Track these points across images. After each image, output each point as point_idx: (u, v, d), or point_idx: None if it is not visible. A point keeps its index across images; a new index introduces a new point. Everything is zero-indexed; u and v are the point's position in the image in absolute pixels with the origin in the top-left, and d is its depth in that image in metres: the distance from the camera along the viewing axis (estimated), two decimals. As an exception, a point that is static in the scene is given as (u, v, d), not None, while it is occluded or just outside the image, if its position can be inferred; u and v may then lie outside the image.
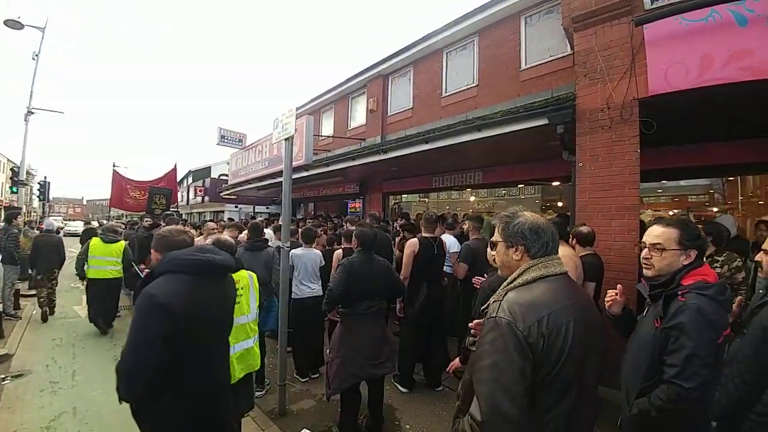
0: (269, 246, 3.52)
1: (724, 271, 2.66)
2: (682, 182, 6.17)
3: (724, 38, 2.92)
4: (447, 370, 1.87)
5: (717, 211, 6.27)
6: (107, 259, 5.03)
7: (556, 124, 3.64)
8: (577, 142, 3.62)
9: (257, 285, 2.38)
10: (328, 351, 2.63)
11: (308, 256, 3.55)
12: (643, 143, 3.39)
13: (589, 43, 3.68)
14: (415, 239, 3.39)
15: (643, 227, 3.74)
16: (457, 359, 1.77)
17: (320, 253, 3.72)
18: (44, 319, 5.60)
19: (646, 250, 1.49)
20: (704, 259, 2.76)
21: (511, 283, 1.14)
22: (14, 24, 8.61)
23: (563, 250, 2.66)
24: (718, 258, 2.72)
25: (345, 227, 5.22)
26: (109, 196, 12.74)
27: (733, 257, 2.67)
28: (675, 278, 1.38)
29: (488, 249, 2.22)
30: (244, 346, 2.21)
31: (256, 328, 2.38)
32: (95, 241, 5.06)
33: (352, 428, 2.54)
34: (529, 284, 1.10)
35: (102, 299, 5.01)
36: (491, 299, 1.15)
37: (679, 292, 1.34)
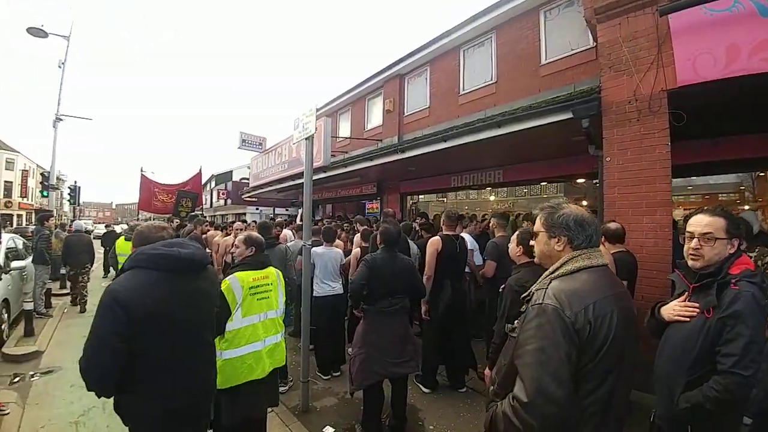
0: (280, 243, 3.60)
1: (758, 266, 2.51)
2: (711, 180, 5.88)
3: (749, 28, 2.83)
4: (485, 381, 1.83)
5: (748, 209, 5.93)
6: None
7: (581, 117, 3.53)
8: (603, 136, 3.50)
9: (284, 281, 2.43)
10: (349, 348, 2.65)
11: (329, 254, 3.59)
12: (673, 136, 3.26)
13: (614, 35, 3.56)
14: (438, 237, 3.36)
15: (675, 225, 3.59)
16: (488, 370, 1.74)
17: (341, 251, 3.74)
18: (82, 309, 6.21)
19: (695, 240, 1.44)
20: None
21: (554, 272, 1.17)
22: (38, 32, 8.72)
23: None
24: (750, 254, 2.58)
25: (355, 227, 5.24)
26: (136, 201, 13.30)
27: (765, 252, 2.52)
28: (723, 267, 1.36)
29: (511, 244, 2.20)
30: (273, 341, 2.26)
31: (283, 323, 2.42)
32: (120, 240, 5.62)
33: (376, 427, 2.54)
34: (573, 274, 1.12)
35: None
36: (533, 287, 1.17)
37: (733, 281, 1.33)
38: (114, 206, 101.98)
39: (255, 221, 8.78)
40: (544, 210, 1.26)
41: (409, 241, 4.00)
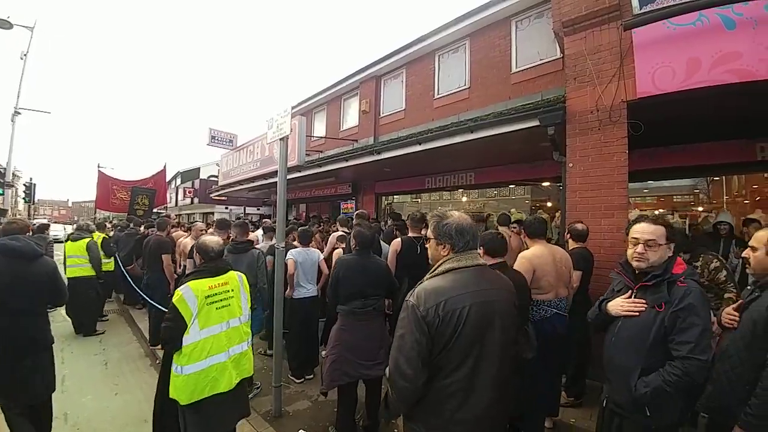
0: (254, 248, 3.48)
1: (705, 275, 2.66)
2: (667, 182, 6.34)
3: (712, 41, 3.00)
4: None
5: (702, 211, 6.47)
6: (72, 257, 5.13)
7: (547, 125, 3.71)
8: (567, 144, 3.70)
9: (248, 286, 2.31)
10: (323, 351, 2.63)
11: (306, 256, 3.53)
12: (631, 144, 3.49)
13: (579, 47, 3.77)
14: (399, 239, 3.47)
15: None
16: None
17: (319, 252, 3.69)
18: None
19: (641, 245, 1.59)
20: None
21: (431, 272, 1.40)
22: (3, 23, 8.40)
23: (537, 249, 2.66)
24: (696, 264, 2.73)
25: (336, 227, 5.19)
26: (94, 198, 12.44)
27: (708, 259, 2.68)
28: (668, 268, 1.55)
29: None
30: (238, 350, 2.14)
31: (249, 330, 2.30)
32: (67, 242, 5.33)
33: (350, 429, 2.54)
34: (441, 274, 1.36)
35: (70, 298, 5.09)
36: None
37: (681, 278, 1.51)
38: (70, 204, 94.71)
39: (214, 222, 8.49)
40: (434, 219, 1.47)
41: (381, 242, 4.03)
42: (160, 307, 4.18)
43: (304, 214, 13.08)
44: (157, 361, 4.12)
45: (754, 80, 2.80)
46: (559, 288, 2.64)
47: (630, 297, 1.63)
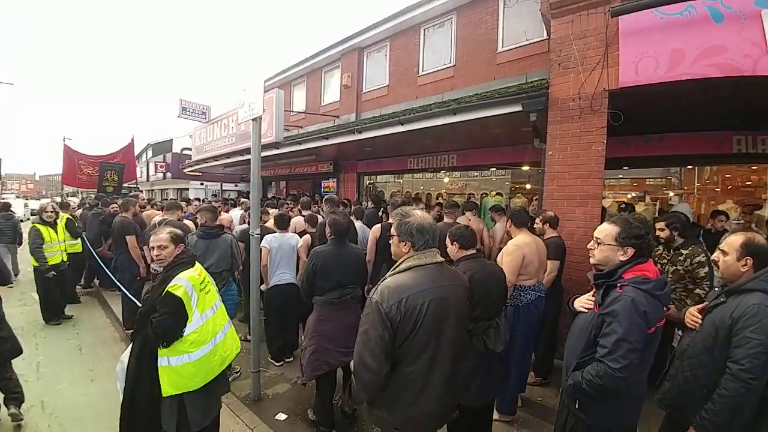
0: (226, 233, 3.36)
1: (687, 265, 2.74)
2: (640, 167, 6.54)
3: (697, 33, 2.94)
4: None
5: (673, 195, 6.77)
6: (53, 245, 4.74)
7: (529, 111, 3.69)
8: (548, 131, 3.70)
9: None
10: (302, 337, 2.63)
11: (285, 240, 3.44)
12: (608, 132, 3.52)
13: (566, 31, 3.68)
14: (378, 225, 3.49)
15: (604, 214, 3.97)
16: None
17: (298, 237, 3.60)
18: None
19: (592, 240, 1.65)
20: (671, 252, 2.86)
21: (394, 269, 1.49)
22: None
23: (524, 237, 2.77)
24: (683, 251, 2.80)
25: (322, 207, 5.05)
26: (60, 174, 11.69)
27: (697, 251, 2.72)
28: (617, 272, 1.51)
29: (449, 246, 2.27)
30: (227, 328, 2.21)
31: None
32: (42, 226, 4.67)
33: (328, 411, 2.60)
34: (403, 272, 1.45)
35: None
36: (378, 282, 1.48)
37: (618, 284, 1.48)
38: (37, 178, 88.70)
39: (199, 199, 8.19)
40: (397, 217, 1.56)
41: (357, 226, 4.00)
42: (126, 291, 4.10)
43: (284, 191, 12.80)
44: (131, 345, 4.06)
45: (738, 75, 2.79)
46: (540, 274, 2.82)
47: (592, 295, 1.67)
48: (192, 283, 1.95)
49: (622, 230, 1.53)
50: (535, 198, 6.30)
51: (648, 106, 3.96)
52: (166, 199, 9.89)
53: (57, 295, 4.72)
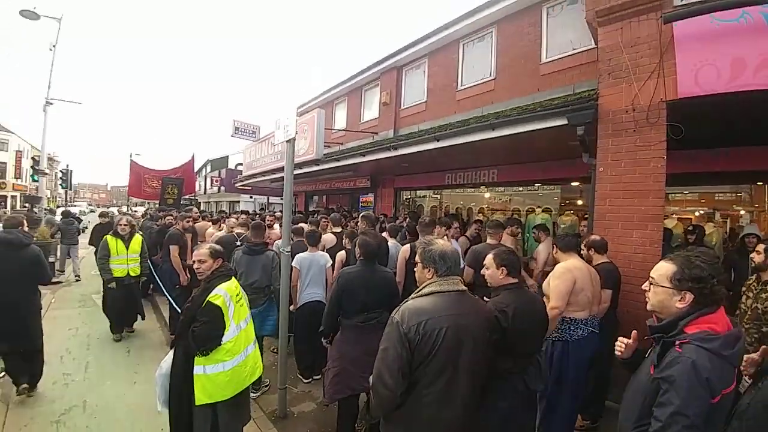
0: (270, 249, 3.47)
1: (752, 302, 2.34)
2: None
3: (755, 41, 2.70)
4: None
5: (744, 213, 5.89)
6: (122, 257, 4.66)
7: (575, 124, 3.41)
8: (598, 145, 3.40)
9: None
10: (324, 341, 2.63)
11: (316, 260, 3.46)
12: (669, 145, 3.15)
13: (614, 39, 3.42)
14: (408, 246, 3.33)
15: (670, 236, 3.51)
16: None
17: (327, 255, 3.60)
18: None
19: (647, 282, 1.40)
20: (759, 285, 2.42)
21: (416, 293, 1.58)
22: (30, 15, 8.75)
23: (575, 262, 2.54)
24: (754, 285, 2.40)
25: (358, 224, 5.01)
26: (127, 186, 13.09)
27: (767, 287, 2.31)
28: (677, 324, 1.25)
29: (489, 270, 2.10)
30: (252, 347, 2.27)
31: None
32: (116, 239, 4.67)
33: (350, 436, 2.51)
34: (425, 296, 1.53)
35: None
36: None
37: (677, 342, 1.21)
38: (109, 188, 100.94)
39: (248, 212, 8.68)
40: (421, 245, 1.66)
41: (390, 245, 3.90)
42: (168, 296, 4.47)
43: (325, 203, 13.18)
44: None
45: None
46: (593, 306, 2.53)
47: (634, 339, 1.48)
48: (230, 294, 2.05)
49: (678, 270, 1.26)
50: (586, 216, 5.82)
51: (710, 117, 3.50)
52: (223, 211, 10.61)
53: (121, 308, 4.63)
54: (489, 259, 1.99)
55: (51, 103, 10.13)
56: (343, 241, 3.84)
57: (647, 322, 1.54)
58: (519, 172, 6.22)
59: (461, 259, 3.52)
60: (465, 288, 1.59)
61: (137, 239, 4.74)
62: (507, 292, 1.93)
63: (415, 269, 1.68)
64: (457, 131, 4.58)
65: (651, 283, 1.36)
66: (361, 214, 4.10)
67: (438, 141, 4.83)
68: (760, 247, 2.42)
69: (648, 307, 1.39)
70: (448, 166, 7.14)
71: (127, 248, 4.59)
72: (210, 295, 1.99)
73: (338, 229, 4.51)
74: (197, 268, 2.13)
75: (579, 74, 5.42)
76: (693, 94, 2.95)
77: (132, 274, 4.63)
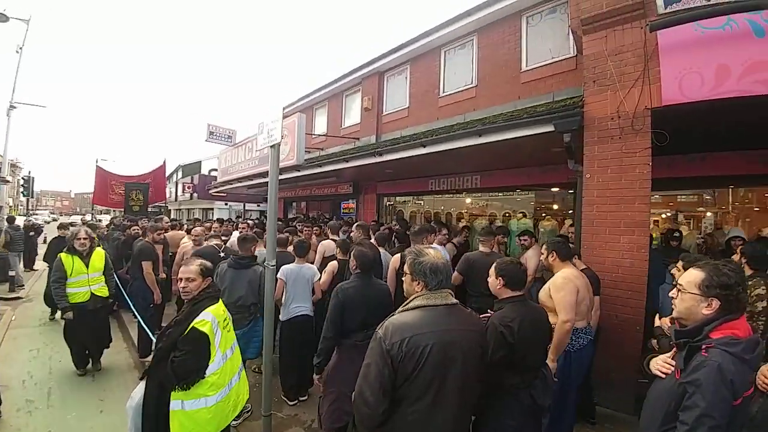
0: (257, 264, 3.23)
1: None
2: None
3: (741, 48, 2.76)
4: None
5: (704, 211, 6.19)
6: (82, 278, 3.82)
7: (562, 131, 3.43)
8: (584, 152, 3.43)
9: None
10: (316, 376, 2.39)
11: (302, 273, 3.26)
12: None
13: (599, 47, 3.47)
14: (398, 255, 3.22)
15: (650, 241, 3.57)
16: None
17: (315, 268, 3.42)
18: None
19: (675, 289, 1.43)
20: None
21: (403, 306, 1.48)
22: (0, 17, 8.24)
23: (573, 271, 2.49)
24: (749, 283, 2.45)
25: (326, 233, 4.85)
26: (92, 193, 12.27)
27: (759, 283, 2.40)
28: (703, 330, 1.29)
29: (490, 278, 2.02)
30: (241, 369, 2.08)
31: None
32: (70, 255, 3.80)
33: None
34: (411, 310, 1.44)
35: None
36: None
37: (703, 346, 1.25)
38: (73, 195, 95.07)
39: (222, 220, 8.27)
40: (410, 255, 1.55)
41: (382, 252, 3.78)
42: (138, 317, 4.02)
43: (304, 210, 12.86)
44: None
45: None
46: (589, 314, 2.53)
47: (673, 356, 1.42)
48: (218, 319, 1.83)
49: (707, 277, 1.30)
50: (566, 220, 5.93)
51: (690, 123, 3.62)
52: (198, 219, 10.08)
53: (84, 340, 3.89)
54: (492, 269, 1.90)
55: (15, 107, 9.40)
56: (335, 251, 3.68)
57: (667, 328, 1.59)
58: (501, 178, 6.27)
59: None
60: (455, 301, 1.49)
61: (99, 254, 3.95)
62: (511, 305, 1.85)
63: (404, 279, 1.58)
64: (443, 137, 4.52)
65: (679, 290, 1.38)
66: (356, 223, 3.86)
67: (424, 147, 4.77)
68: (680, 263, 2.53)
69: (674, 313, 1.42)
70: (432, 172, 7.11)
71: (88, 266, 3.77)
72: (196, 321, 1.76)
73: (336, 237, 4.34)
74: (183, 287, 1.89)
75: (559, 82, 5.54)
76: (677, 102, 3.00)
77: (99, 294, 3.83)
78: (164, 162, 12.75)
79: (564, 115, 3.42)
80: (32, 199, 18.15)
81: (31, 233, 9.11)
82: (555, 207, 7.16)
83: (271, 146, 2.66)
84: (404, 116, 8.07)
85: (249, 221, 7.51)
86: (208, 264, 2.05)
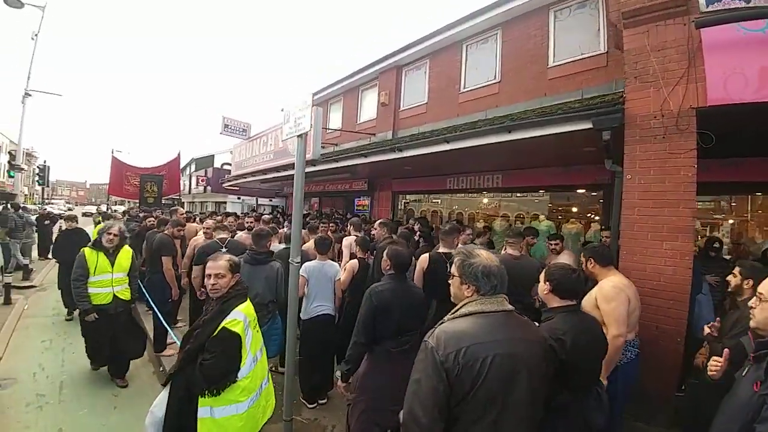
0: (274, 260, 3.11)
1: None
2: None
3: None
4: None
5: (722, 218, 5.88)
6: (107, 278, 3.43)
7: (601, 129, 3.24)
8: (625, 152, 3.23)
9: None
10: (341, 383, 2.26)
11: (324, 270, 3.13)
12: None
13: (641, 42, 3.27)
14: (426, 255, 3.06)
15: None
16: None
17: (337, 265, 3.30)
18: None
19: (754, 297, 1.37)
20: None
21: (452, 313, 1.33)
22: (14, 3, 8.33)
23: (621, 279, 2.33)
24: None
25: (348, 231, 4.74)
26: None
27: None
28: None
29: (541, 284, 1.88)
30: (266, 383, 1.94)
31: None
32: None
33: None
34: (464, 317, 1.28)
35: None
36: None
37: None
38: (88, 186, 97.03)
39: (236, 214, 8.23)
40: (459, 255, 1.40)
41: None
42: (158, 312, 3.92)
43: (315, 206, 12.79)
44: (161, 369, 3.87)
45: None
46: (637, 324, 2.38)
47: (725, 357, 1.47)
48: (249, 318, 1.72)
49: None
50: (593, 224, 5.71)
51: (734, 127, 3.41)
52: (214, 212, 10.06)
53: (105, 346, 3.46)
54: (542, 279, 1.75)
55: (30, 95, 9.52)
56: (355, 249, 3.56)
57: (741, 339, 1.56)
58: (524, 178, 6.08)
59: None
60: (512, 307, 1.33)
61: (126, 253, 3.57)
62: (563, 316, 1.69)
63: (449, 282, 1.44)
64: (469, 133, 4.36)
65: (760, 299, 1.34)
66: (378, 220, 3.65)
67: (448, 143, 4.61)
68: (737, 270, 2.37)
69: (751, 323, 1.36)
70: (452, 170, 6.94)
71: (113, 265, 3.40)
72: (227, 320, 1.64)
73: (358, 233, 4.22)
74: (213, 284, 1.77)
75: (588, 79, 5.32)
76: (723, 102, 2.87)
77: (122, 297, 3.46)
78: (179, 154, 12.80)
79: (604, 112, 3.23)
80: (48, 189, 18.45)
81: (47, 222, 9.21)
82: (575, 209, 6.90)
83: (298, 136, 2.55)
84: (422, 112, 7.90)
85: (255, 215, 7.35)
86: (236, 259, 1.94)
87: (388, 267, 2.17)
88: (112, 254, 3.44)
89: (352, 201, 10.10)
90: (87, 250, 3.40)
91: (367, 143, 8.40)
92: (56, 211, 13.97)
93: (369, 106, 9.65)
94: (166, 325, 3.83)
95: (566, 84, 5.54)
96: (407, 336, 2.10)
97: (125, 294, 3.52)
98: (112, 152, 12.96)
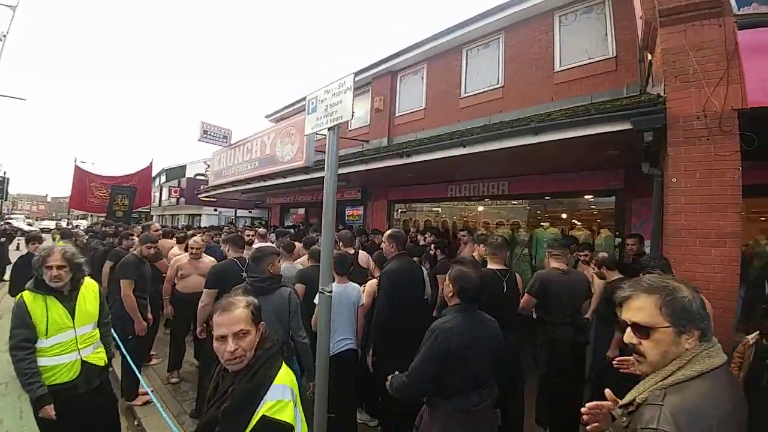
0: (284, 285, 2.44)
1: None
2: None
3: None
4: None
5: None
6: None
7: (642, 130, 3.06)
8: (669, 154, 3.05)
9: None
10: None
11: (347, 295, 2.64)
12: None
13: (679, 41, 3.15)
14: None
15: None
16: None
17: (359, 288, 2.80)
18: None
19: None
20: None
21: (667, 377, 0.94)
22: None
23: None
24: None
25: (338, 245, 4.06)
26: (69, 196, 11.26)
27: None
28: None
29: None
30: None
31: None
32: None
33: None
34: (691, 380, 0.91)
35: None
36: (637, 395, 0.96)
37: None
38: (49, 199, 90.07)
39: (219, 228, 7.55)
40: (662, 292, 0.96)
41: (423, 269, 3.25)
42: (123, 350, 3.10)
43: (301, 217, 12.18)
44: (135, 422, 3.21)
45: None
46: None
47: None
48: (294, 391, 1.17)
49: None
50: (602, 230, 5.57)
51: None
52: (188, 226, 9.21)
53: None
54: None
55: None
56: (371, 266, 3.12)
57: None
58: (533, 184, 5.87)
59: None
60: (726, 356, 0.98)
61: (90, 290, 2.27)
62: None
63: (646, 342, 0.97)
64: (489, 135, 4.08)
65: None
66: (387, 233, 3.03)
67: (464, 147, 4.31)
68: None
69: None
70: (454, 177, 6.67)
71: (73, 316, 2.11)
72: (267, 405, 1.08)
73: (351, 251, 3.78)
74: (233, 352, 1.15)
75: (596, 84, 5.25)
76: (762, 104, 2.77)
77: (94, 363, 2.18)
78: (151, 163, 11.87)
79: (645, 112, 3.05)
80: (7, 203, 16.60)
81: (2, 239, 8.09)
82: (564, 216, 6.66)
83: (330, 128, 2.13)
84: (420, 118, 7.65)
85: (260, 230, 5.90)
86: (256, 302, 1.34)
87: (450, 294, 1.67)
88: (67, 298, 2.11)
89: (343, 211, 9.62)
90: (26, 295, 2.03)
91: (360, 150, 8.03)
92: (21, 226, 12.48)
93: (360, 113, 9.30)
94: (134, 368, 3.00)
95: (574, 89, 5.45)
96: (487, 389, 1.62)
97: (98, 357, 2.22)
98: (75, 161, 11.81)
